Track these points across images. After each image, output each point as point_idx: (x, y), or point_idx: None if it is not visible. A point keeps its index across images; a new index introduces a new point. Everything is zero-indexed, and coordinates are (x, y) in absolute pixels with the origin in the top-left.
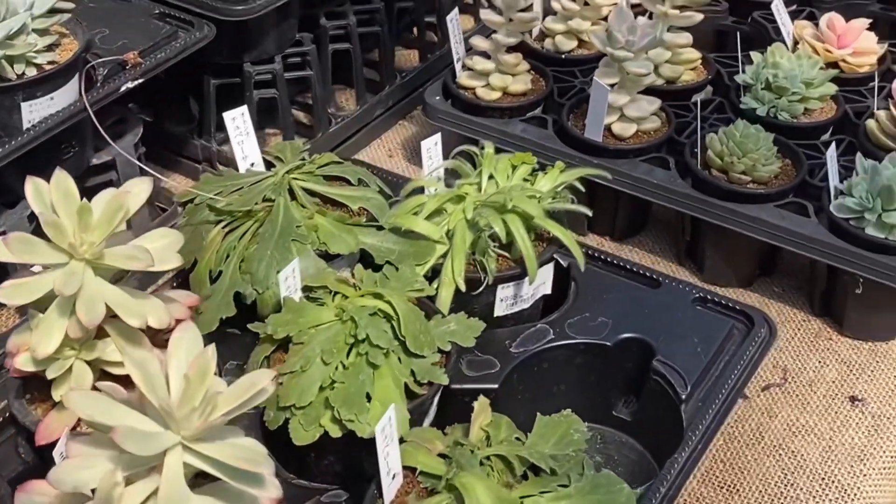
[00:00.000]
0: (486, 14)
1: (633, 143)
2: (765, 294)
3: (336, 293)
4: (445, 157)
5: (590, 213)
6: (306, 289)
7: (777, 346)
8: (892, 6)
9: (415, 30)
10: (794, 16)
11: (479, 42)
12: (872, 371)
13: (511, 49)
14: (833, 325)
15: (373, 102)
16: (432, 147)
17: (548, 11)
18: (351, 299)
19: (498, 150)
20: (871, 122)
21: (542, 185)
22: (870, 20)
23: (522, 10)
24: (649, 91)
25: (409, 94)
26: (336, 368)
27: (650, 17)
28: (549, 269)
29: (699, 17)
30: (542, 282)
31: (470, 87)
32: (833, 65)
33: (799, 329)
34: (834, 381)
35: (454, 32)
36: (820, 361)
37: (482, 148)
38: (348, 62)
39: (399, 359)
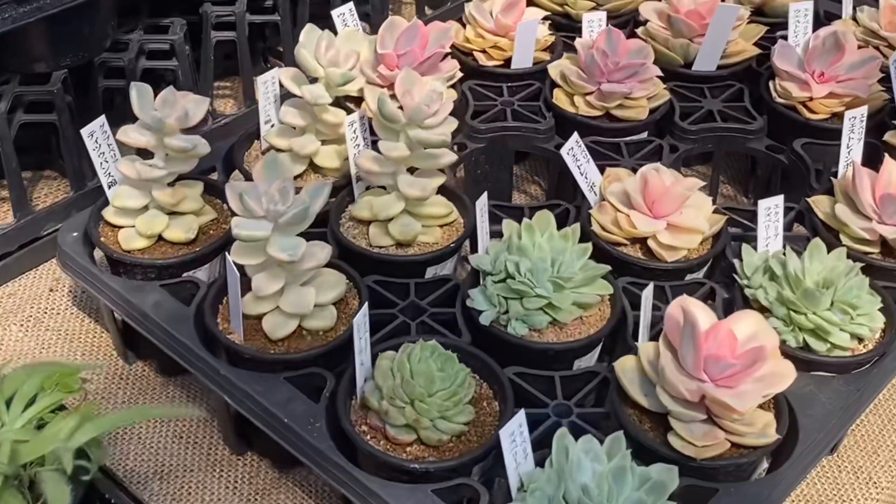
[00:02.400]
0: (125, 133)
1: (280, 351)
2: None
3: None
4: None
5: None
6: None
7: None
8: (785, 144)
9: None
10: (635, 150)
11: (126, 169)
12: None
13: (184, 177)
14: None
15: (40, 214)
16: None
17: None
18: None
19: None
20: (625, 363)
21: (57, 432)
22: (697, 184)
23: (190, 129)
24: (359, 259)
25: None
26: None
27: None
28: None
29: (449, 158)
30: None
31: (116, 227)
32: (641, 242)
33: None
34: None
35: (97, 148)
36: None
37: None
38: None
39: None
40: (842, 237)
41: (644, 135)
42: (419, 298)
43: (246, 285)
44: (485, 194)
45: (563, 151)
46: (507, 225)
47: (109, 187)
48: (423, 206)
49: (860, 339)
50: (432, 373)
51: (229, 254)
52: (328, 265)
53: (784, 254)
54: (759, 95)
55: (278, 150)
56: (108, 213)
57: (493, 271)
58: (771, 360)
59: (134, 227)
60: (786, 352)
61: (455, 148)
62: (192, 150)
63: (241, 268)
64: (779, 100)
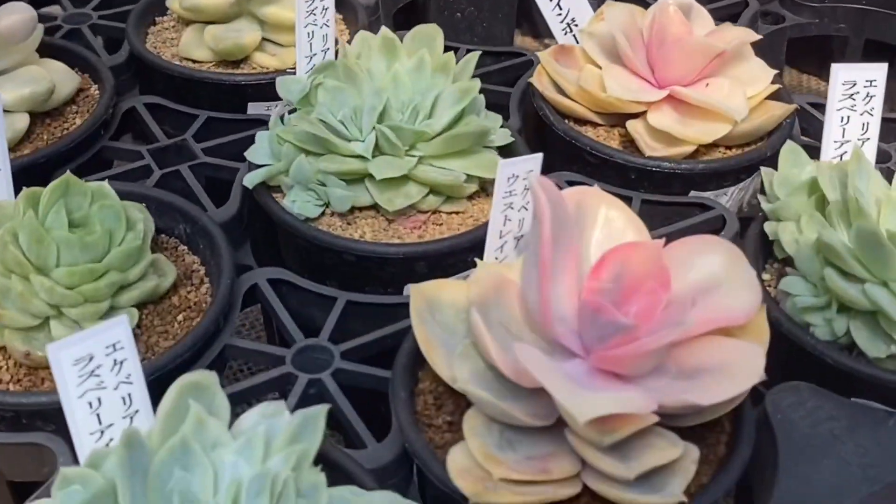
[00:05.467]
0: None
1: None
2: None
3: None
4: None
5: None
6: None
7: None
8: None
9: None
10: None
11: None
12: None
13: None
14: None
15: None
16: None
17: None
18: None
19: None
20: (437, 290)
21: None
22: (749, 37)
23: None
24: (150, 70)
25: None
26: None
27: None
28: None
29: None
30: None
31: None
32: (622, 123)
33: None
34: None
35: None
36: None
37: None
38: None
39: None
40: None
41: None
42: (199, 139)
43: None
44: None
45: None
46: (360, 38)
47: None
48: (264, 5)
49: None
50: (44, 231)
51: None
52: (63, 58)
53: (853, 166)
54: None
55: None
56: None
57: (296, 103)
58: (722, 341)
59: None
60: (802, 345)
61: None
62: None
63: None
64: None
